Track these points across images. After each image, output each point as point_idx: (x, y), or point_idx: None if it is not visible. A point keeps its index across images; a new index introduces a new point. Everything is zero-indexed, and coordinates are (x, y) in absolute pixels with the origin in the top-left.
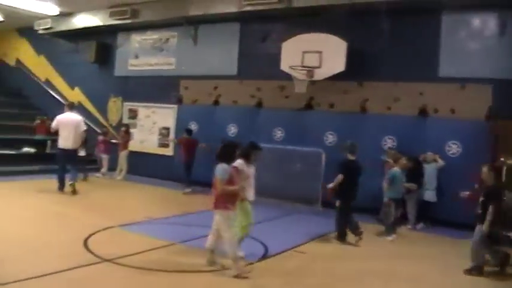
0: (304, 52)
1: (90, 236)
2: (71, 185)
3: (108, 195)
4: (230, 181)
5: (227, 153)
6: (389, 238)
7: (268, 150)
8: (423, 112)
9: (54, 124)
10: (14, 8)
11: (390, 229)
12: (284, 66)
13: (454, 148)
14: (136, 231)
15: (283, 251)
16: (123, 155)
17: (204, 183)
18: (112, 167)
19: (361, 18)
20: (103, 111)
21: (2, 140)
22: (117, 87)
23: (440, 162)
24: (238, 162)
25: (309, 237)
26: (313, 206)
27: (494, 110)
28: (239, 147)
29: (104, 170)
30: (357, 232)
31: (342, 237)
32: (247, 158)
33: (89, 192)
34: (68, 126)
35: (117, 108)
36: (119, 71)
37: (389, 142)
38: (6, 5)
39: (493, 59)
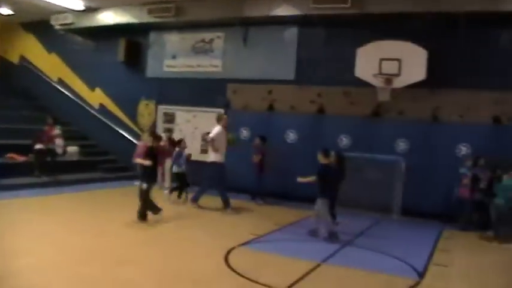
0: (382, 59)
1: (225, 257)
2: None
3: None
4: None
5: None
6: None
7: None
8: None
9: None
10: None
11: None
12: (361, 73)
13: None
14: (264, 249)
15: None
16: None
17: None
18: None
19: (439, 26)
20: (131, 115)
21: (14, 145)
22: (149, 89)
23: None
24: None
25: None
26: (390, 215)
27: None
28: None
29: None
30: None
31: None
32: None
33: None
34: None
35: (149, 112)
36: (151, 71)
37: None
38: None
39: None
